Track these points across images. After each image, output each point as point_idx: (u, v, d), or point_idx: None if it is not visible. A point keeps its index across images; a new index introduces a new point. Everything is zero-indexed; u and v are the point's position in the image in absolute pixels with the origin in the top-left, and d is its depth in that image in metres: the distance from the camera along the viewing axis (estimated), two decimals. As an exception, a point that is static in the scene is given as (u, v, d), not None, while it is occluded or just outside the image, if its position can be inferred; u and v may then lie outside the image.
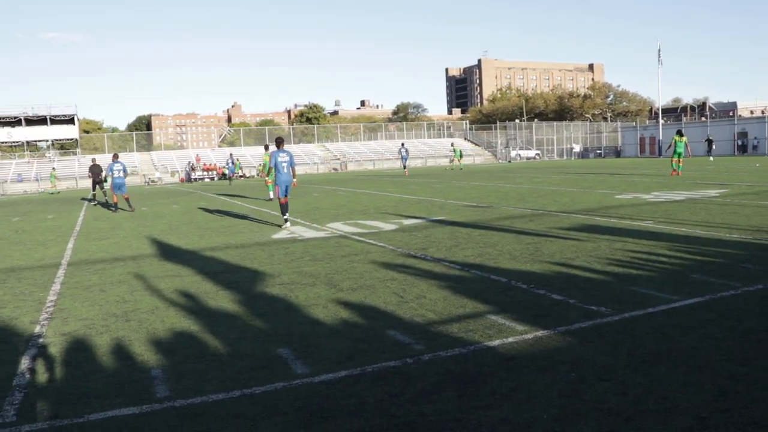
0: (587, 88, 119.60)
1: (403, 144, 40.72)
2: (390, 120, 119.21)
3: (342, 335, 5.03)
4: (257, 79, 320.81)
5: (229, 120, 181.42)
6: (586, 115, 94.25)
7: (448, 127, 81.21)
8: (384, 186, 26.42)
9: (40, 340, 5.35)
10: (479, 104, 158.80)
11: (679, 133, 24.94)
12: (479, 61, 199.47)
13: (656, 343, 4.47)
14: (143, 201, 24.73)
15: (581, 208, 13.64)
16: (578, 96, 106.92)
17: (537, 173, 31.54)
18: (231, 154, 44.01)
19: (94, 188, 24.85)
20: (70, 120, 58.12)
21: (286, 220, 12.52)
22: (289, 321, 5.54)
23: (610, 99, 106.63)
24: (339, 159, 60.82)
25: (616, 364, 4.08)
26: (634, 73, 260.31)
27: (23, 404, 3.91)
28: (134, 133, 69.25)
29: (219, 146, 74.55)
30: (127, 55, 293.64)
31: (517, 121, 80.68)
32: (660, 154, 53.73)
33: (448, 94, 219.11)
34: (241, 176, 41.51)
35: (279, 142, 12.91)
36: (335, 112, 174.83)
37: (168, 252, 10.16)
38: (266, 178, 20.42)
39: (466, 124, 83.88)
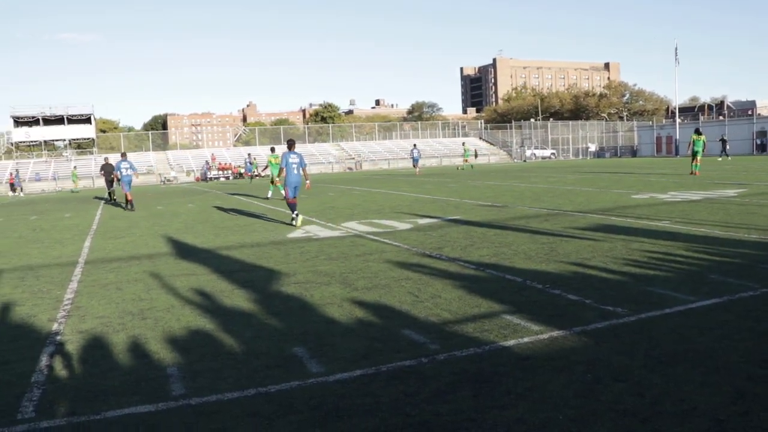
0: (603, 87, 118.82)
1: (415, 145, 40.71)
2: (405, 119, 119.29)
3: (357, 334, 5.04)
4: (272, 78, 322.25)
5: (245, 119, 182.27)
6: (602, 115, 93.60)
7: (463, 127, 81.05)
8: (399, 185, 26.40)
9: (58, 337, 5.41)
10: (494, 103, 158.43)
11: (697, 132, 24.72)
12: (494, 60, 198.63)
13: (673, 343, 4.43)
14: (159, 200, 24.93)
15: (597, 207, 13.55)
16: (594, 95, 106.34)
17: (552, 173, 31.36)
18: (249, 154, 44.77)
19: (108, 187, 25.19)
20: (86, 120, 58.67)
21: (297, 214, 12.70)
22: (304, 320, 5.55)
23: (626, 98, 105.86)
24: (354, 158, 60.89)
25: (633, 365, 4.04)
26: (651, 72, 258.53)
27: (41, 401, 3.96)
28: (150, 132, 69.76)
29: (234, 145, 75.06)
30: (143, 55, 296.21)
31: (532, 120, 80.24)
32: (677, 153, 53.23)
33: (462, 94, 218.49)
34: (257, 175, 41.72)
35: (290, 144, 13.23)
36: (350, 112, 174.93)
37: (184, 250, 10.23)
38: (276, 179, 20.56)
39: (481, 123, 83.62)
